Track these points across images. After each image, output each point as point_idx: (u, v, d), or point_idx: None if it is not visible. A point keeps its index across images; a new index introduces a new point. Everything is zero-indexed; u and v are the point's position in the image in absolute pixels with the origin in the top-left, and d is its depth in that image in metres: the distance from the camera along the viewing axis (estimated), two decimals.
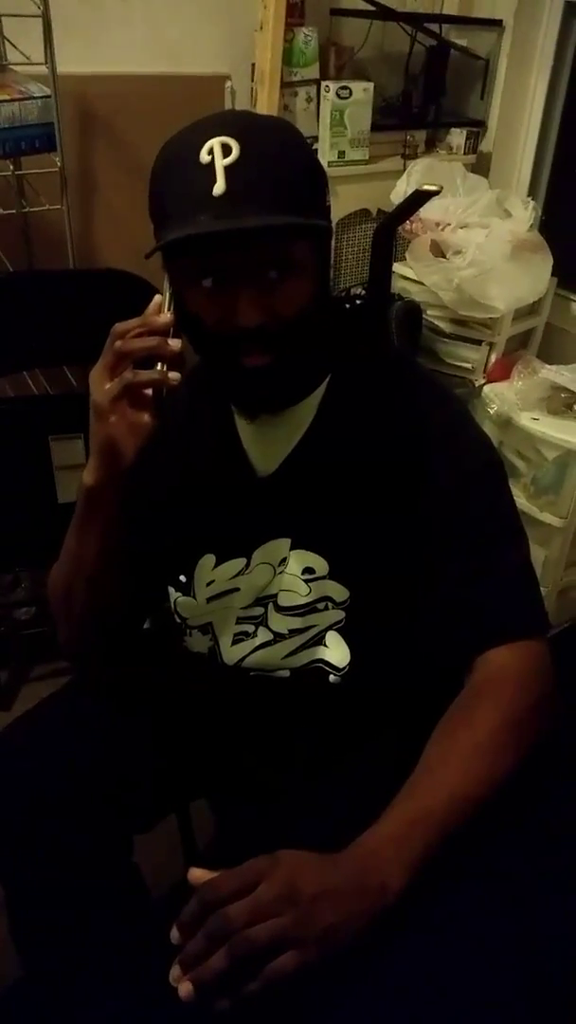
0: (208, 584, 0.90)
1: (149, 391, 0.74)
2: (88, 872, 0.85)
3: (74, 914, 0.89)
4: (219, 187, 0.69)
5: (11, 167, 1.65)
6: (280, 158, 0.73)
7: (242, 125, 0.73)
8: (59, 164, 1.58)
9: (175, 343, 0.73)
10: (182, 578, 0.91)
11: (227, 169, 0.69)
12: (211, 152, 0.70)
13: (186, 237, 0.70)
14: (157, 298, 0.76)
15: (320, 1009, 0.58)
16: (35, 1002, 1.09)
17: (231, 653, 0.90)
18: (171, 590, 0.92)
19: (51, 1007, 1.05)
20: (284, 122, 0.81)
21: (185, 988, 0.58)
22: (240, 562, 0.88)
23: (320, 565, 0.85)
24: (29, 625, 1.84)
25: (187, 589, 0.91)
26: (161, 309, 0.75)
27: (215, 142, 0.70)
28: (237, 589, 0.89)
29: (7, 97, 1.47)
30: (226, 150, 0.70)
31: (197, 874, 0.62)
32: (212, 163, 0.70)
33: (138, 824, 0.93)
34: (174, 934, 0.60)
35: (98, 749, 0.85)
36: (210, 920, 0.58)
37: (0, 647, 1.79)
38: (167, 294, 0.76)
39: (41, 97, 1.50)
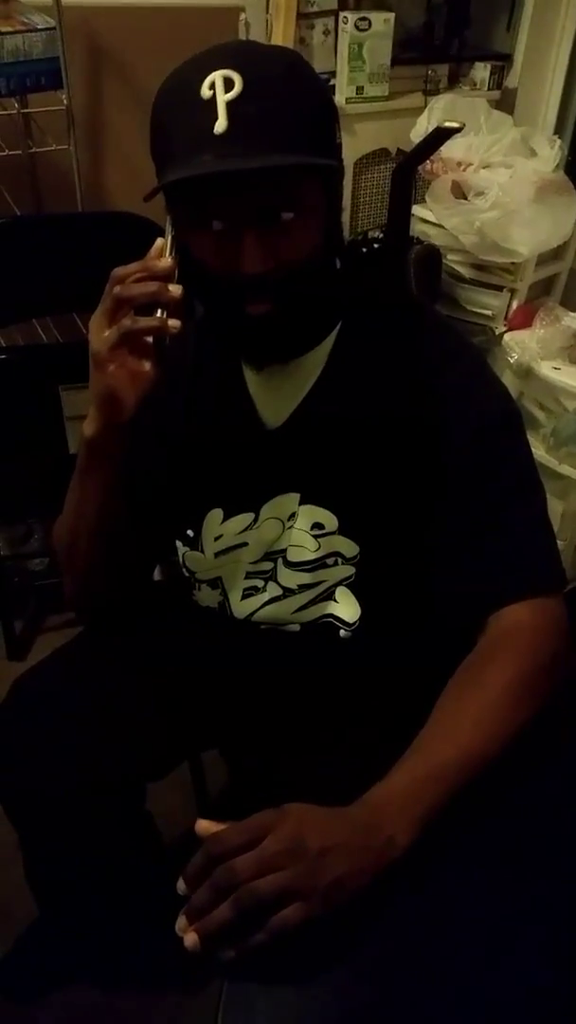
0: (216, 539, 0.88)
1: (150, 339, 0.72)
2: (101, 819, 0.87)
3: (87, 859, 0.91)
4: (220, 124, 0.66)
5: (16, 105, 1.60)
6: (286, 92, 0.69)
7: (245, 56, 0.69)
8: (66, 102, 1.54)
9: (176, 289, 0.70)
10: (189, 532, 0.90)
11: (229, 105, 0.66)
12: (212, 87, 0.66)
13: (186, 178, 0.67)
14: (159, 242, 0.73)
15: (321, 965, 0.59)
16: (49, 944, 1.12)
17: (241, 607, 0.90)
18: (179, 544, 0.92)
19: (64, 950, 1.08)
20: (291, 52, 0.77)
21: (191, 939, 0.58)
22: (248, 517, 0.87)
23: (329, 520, 0.84)
24: (42, 576, 1.85)
25: (194, 543, 0.90)
26: (162, 253, 0.72)
27: (217, 75, 0.67)
28: (245, 544, 0.88)
29: (10, 29, 1.42)
30: (228, 84, 0.66)
31: (204, 826, 0.62)
32: (213, 98, 0.66)
33: (150, 772, 0.93)
34: (180, 885, 0.60)
35: (110, 698, 0.86)
36: (216, 872, 0.58)
37: (14, 598, 1.80)
38: (169, 238, 0.73)
39: (45, 29, 1.44)
